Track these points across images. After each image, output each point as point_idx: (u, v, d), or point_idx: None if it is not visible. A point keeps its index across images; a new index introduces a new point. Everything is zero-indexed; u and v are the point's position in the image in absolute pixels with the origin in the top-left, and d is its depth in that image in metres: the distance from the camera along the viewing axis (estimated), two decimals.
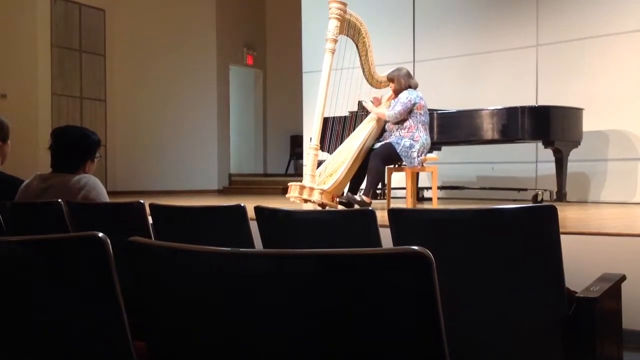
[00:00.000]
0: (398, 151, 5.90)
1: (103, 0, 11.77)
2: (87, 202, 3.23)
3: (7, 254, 1.29)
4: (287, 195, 5.92)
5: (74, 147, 3.40)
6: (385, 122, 6.15)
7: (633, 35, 7.11)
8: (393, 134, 6.02)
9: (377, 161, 5.91)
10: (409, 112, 5.97)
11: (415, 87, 6.15)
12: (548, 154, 6.98)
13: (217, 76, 12.22)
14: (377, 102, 6.32)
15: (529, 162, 7.83)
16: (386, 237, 2.28)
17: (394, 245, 2.13)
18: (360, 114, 6.55)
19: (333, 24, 5.99)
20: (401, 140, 5.92)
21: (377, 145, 6.07)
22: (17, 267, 1.30)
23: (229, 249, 1.07)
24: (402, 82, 6.11)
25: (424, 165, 6.12)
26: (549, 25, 7.75)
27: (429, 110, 6.28)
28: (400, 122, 6.00)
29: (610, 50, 7.27)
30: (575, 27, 7.52)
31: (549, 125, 6.65)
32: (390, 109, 6.04)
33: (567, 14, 7.62)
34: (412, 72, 6.69)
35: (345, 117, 6.62)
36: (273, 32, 13.58)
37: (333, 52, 5.99)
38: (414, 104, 5.97)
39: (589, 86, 7.36)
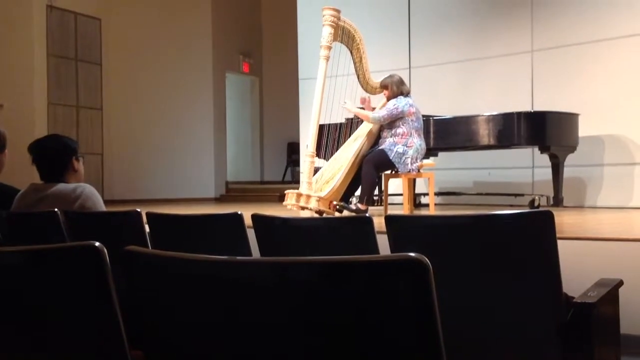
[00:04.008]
0: (391, 158, 5.90)
1: (99, 9, 11.77)
2: (83, 212, 3.22)
3: (3, 264, 1.29)
4: (284, 203, 5.92)
5: (53, 155, 3.40)
6: (381, 128, 6.16)
7: (627, 40, 7.14)
8: (387, 140, 6.03)
9: (369, 168, 5.92)
10: (399, 119, 5.97)
11: (407, 93, 6.16)
12: (544, 159, 7.00)
13: (213, 83, 12.23)
14: (366, 103, 6.32)
15: (525, 167, 7.84)
16: (383, 244, 2.28)
17: (391, 252, 2.13)
18: (356, 120, 6.55)
19: (327, 31, 6.01)
20: (394, 146, 5.93)
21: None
22: (14, 277, 1.30)
23: (226, 257, 1.07)
24: (394, 89, 6.12)
25: (421, 171, 6.12)
26: (544, 31, 7.77)
27: (424, 116, 6.29)
28: (394, 128, 6.00)
29: (605, 55, 7.30)
30: (570, 33, 7.54)
31: (545, 131, 6.67)
32: (375, 112, 6.07)
33: (561, 19, 7.65)
34: (408, 79, 6.72)
35: (341, 123, 6.63)
36: (269, 39, 13.60)
37: (327, 59, 6.01)
38: (402, 112, 5.96)
39: (584, 91, 7.38)
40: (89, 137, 11.58)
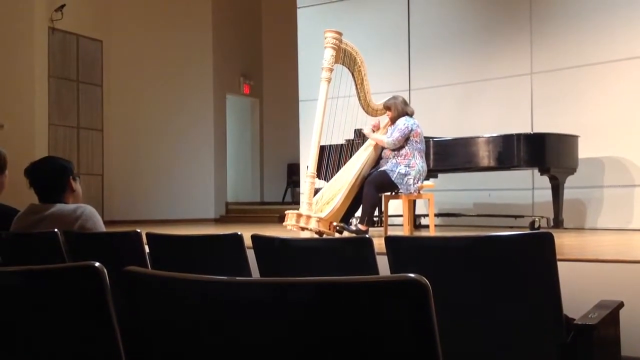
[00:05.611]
0: (393, 178, 5.91)
1: (100, 31, 11.85)
2: (83, 232, 3.22)
3: (3, 284, 1.29)
4: (284, 223, 5.92)
5: (50, 176, 3.40)
6: (382, 149, 6.17)
7: (627, 62, 7.17)
8: (389, 161, 6.04)
9: (370, 189, 5.92)
10: (406, 140, 6.01)
11: (411, 114, 6.19)
12: (544, 180, 7.00)
13: (213, 105, 12.28)
14: (376, 127, 6.35)
15: (525, 189, 7.84)
16: (383, 265, 2.28)
17: (391, 272, 2.13)
18: (357, 142, 6.57)
19: (329, 53, 6.04)
20: (396, 167, 5.94)
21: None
22: (13, 297, 1.30)
23: (226, 277, 1.07)
24: (399, 109, 6.15)
25: (421, 192, 6.12)
26: (543, 53, 7.81)
27: (425, 137, 6.31)
28: (396, 149, 6.02)
29: (604, 77, 7.32)
30: (569, 55, 7.58)
31: (545, 153, 6.68)
32: (388, 136, 6.07)
33: (560, 42, 7.69)
34: (407, 100, 6.73)
35: (341, 145, 6.64)
36: (269, 61, 13.68)
37: (329, 80, 6.03)
38: (411, 131, 6.00)
39: (583, 113, 7.40)
40: (89, 158, 11.61)
